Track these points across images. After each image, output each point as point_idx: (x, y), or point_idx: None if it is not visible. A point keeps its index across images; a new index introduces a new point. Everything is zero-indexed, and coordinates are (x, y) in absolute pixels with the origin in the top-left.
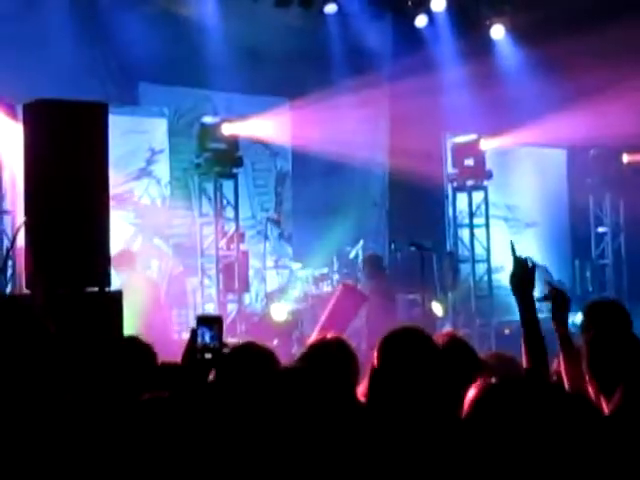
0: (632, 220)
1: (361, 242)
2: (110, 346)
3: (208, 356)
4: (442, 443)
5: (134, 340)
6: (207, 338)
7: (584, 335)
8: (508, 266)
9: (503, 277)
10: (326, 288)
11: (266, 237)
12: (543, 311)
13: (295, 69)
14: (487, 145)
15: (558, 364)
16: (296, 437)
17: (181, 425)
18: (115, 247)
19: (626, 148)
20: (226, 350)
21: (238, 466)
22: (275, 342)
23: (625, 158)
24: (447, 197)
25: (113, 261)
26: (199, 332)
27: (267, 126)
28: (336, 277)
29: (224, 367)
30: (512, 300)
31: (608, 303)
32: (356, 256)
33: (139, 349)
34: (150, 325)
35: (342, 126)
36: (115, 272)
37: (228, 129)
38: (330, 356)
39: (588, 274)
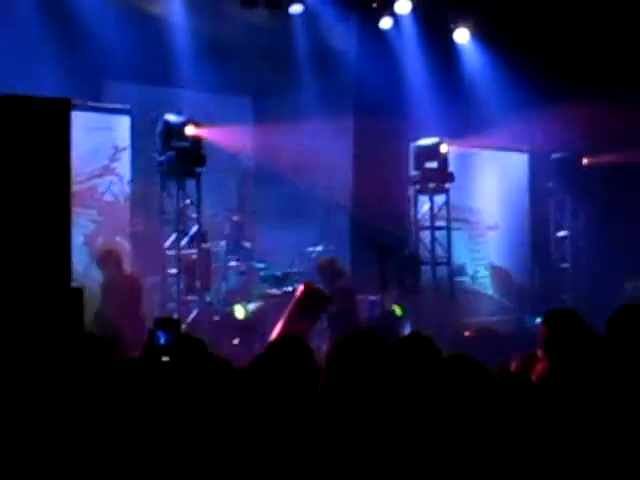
0: (592, 224)
1: (323, 243)
2: (69, 342)
3: (165, 359)
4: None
5: (92, 336)
6: (162, 341)
7: (541, 340)
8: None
9: (464, 279)
10: (287, 288)
11: (228, 237)
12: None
13: (260, 68)
14: (449, 149)
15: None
16: (246, 436)
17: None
18: (76, 244)
19: (586, 152)
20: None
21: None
22: (236, 341)
23: (584, 161)
24: (409, 200)
25: (99, 258)
26: (156, 335)
27: (230, 134)
28: (297, 277)
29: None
30: (473, 302)
31: (565, 312)
32: (317, 256)
33: (98, 345)
34: (131, 322)
35: (306, 126)
36: (101, 269)
37: (191, 131)
38: (287, 356)
39: (547, 278)
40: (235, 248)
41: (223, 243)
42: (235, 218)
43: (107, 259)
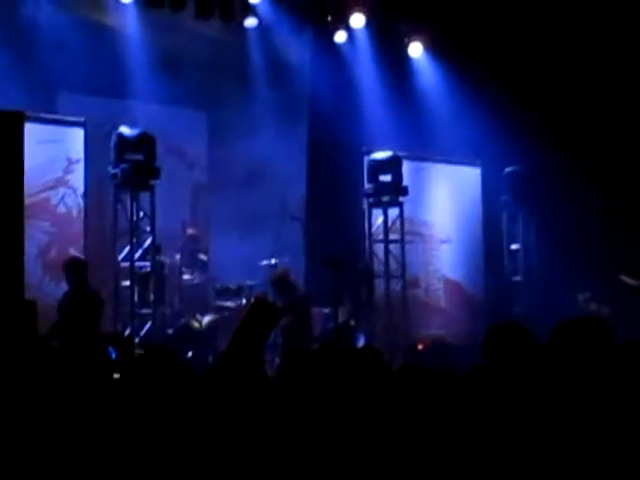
0: (544, 238)
1: (277, 256)
2: (22, 354)
3: (115, 376)
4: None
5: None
6: (113, 357)
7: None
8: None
9: (417, 292)
10: (242, 301)
11: (182, 249)
12: (457, 326)
13: (215, 81)
14: (403, 162)
15: None
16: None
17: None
18: (30, 256)
19: (538, 165)
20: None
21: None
22: (190, 354)
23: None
24: (363, 212)
25: (63, 270)
26: (108, 350)
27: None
28: (252, 290)
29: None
30: (426, 315)
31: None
32: (272, 269)
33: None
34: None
35: (260, 139)
36: (65, 280)
37: (147, 148)
38: (238, 369)
39: (500, 290)
40: (191, 261)
41: (178, 256)
42: (190, 231)
43: (70, 271)
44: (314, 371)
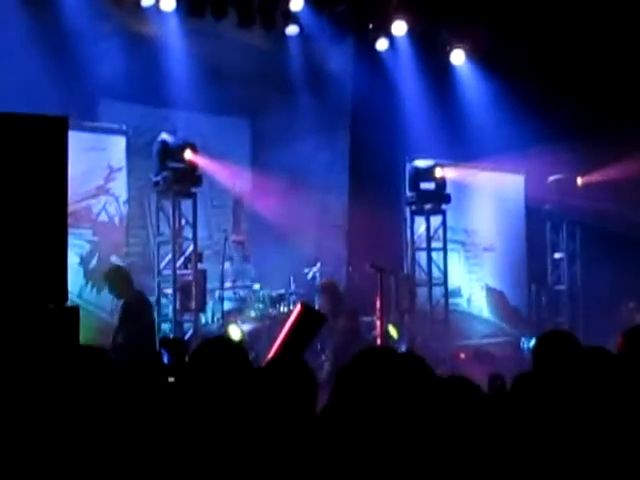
0: (588, 247)
1: (318, 264)
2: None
3: (170, 379)
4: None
5: (88, 349)
6: (166, 361)
7: (534, 361)
8: (464, 290)
9: (459, 301)
10: (283, 309)
11: (225, 257)
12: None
13: (256, 90)
14: (445, 170)
15: None
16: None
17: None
18: (72, 264)
19: (582, 172)
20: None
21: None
22: None
23: (579, 181)
24: (405, 220)
25: (113, 281)
26: (161, 354)
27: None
28: (293, 298)
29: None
30: (468, 325)
31: (559, 333)
32: (313, 277)
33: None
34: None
35: (302, 147)
36: (114, 293)
37: (189, 155)
38: (287, 375)
39: (544, 300)
40: (235, 269)
41: (218, 264)
42: (236, 237)
43: (121, 278)
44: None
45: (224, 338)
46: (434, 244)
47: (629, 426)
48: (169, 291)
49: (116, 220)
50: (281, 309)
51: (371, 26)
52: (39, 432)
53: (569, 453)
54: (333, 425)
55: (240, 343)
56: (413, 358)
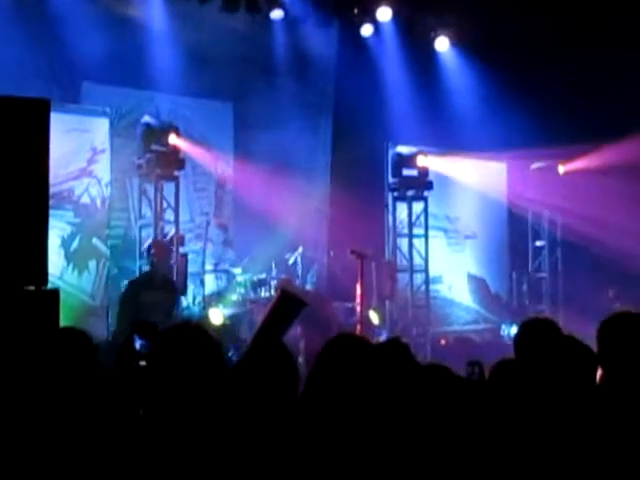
0: (568, 234)
1: (300, 249)
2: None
3: (142, 363)
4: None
5: (70, 331)
6: (138, 345)
7: (516, 348)
8: (446, 277)
9: (440, 288)
10: (264, 293)
11: (206, 240)
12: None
13: (240, 73)
14: (428, 156)
15: None
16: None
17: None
18: (53, 246)
19: (564, 158)
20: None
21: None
22: None
23: (561, 169)
24: (387, 206)
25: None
26: (133, 339)
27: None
28: (274, 283)
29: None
30: (449, 311)
31: (541, 321)
32: (295, 262)
33: (75, 339)
34: None
35: (285, 132)
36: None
37: (173, 140)
38: (269, 359)
39: (525, 287)
40: (215, 252)
41: (200, 247)
42: (218, 221)
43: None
44: (352, 360)
45: (191, 324)
46: (416, 230)
47: (608, 414)
48: None
49: (98, 202)
50: (262, 294)
51: (356, 11)
52: (19, 415)
53: (545, 440)
54: (308, 412)
55: (212, 329)
56: (397, 345)
